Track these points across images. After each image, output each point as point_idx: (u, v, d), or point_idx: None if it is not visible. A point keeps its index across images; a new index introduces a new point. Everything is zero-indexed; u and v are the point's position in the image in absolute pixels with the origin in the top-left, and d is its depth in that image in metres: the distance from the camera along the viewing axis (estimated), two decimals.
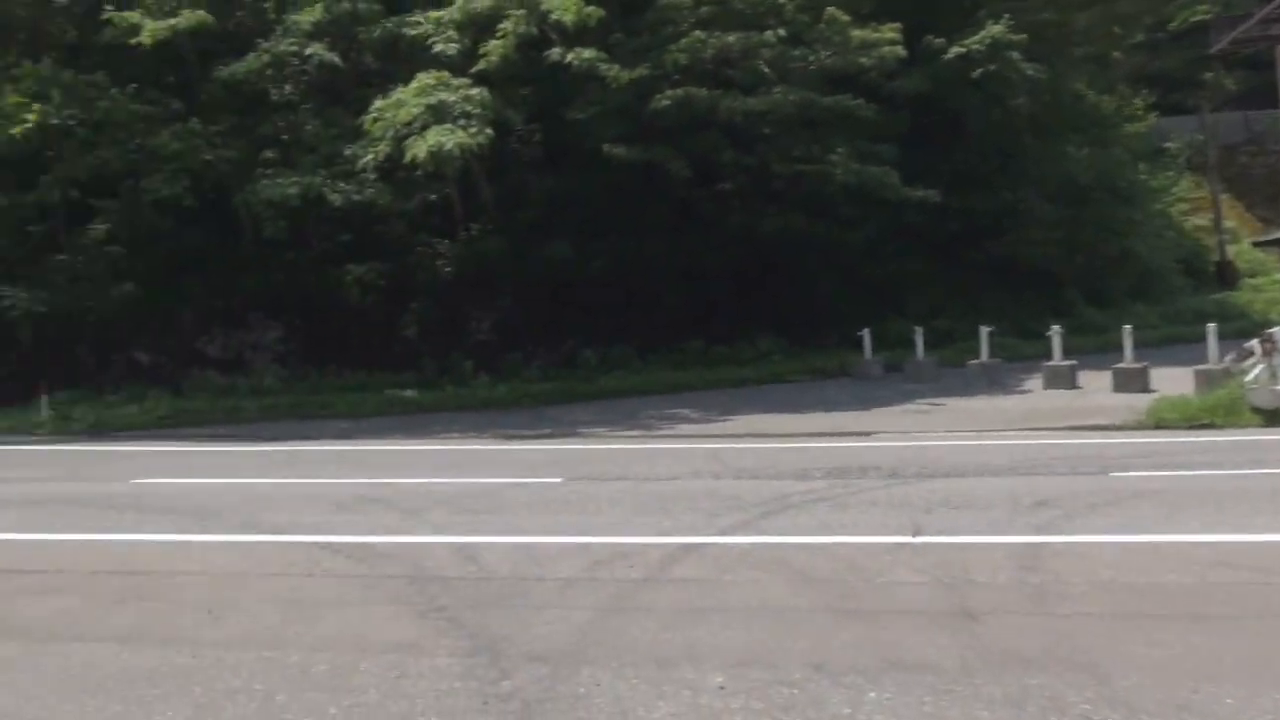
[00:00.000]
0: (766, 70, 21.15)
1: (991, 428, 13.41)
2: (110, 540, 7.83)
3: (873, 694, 3.96)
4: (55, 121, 19.85)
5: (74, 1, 22.30)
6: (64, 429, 17.97)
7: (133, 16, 20.46)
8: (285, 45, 21.01)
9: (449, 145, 18.11)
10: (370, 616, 5.30)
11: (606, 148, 20.96)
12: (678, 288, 23.03)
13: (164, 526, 8.33)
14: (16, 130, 19.60)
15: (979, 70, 22.66)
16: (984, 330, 19.46)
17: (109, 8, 20.91)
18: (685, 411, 17.26)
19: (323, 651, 4.65)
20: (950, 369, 20.02)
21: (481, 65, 20.27)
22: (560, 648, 4.61)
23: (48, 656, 4.73)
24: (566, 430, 15.73)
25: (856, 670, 4.22)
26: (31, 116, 19.67)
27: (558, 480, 10.17)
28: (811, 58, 21.47)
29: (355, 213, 20.91)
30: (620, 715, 3.80)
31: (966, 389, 17.96)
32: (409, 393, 20.26)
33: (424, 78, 19.19)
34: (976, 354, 19.59)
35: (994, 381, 18.62)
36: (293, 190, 19.79)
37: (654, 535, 7.21)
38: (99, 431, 17.77)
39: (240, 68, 20.87)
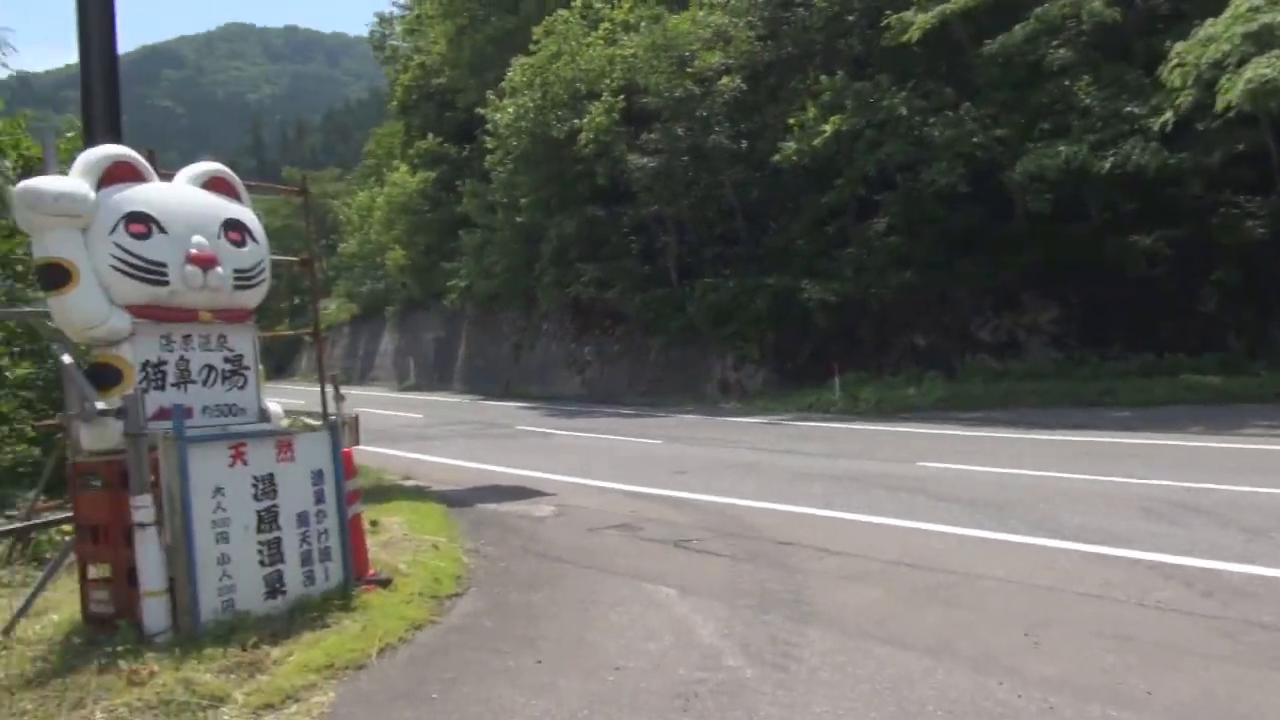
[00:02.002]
0: None
1: None
2: (902, 527, 7.68)
3: None
4: (846, 128, 21.62)
5: (859, 15, 24.04)
6: (852, 408, 19.53)
7: (907, 16, 21.15)
8: (1057, 7, 19.60)
9: (1271, 75, 14.68)
10: (1242, 680, 3.93)
11: None
12: None
13: (953, 517, 7.92)
14: (817, 141, 21.92)
15: None
16: None
17: (888, 13, 21.95)
18: None
19: None
20: None
21: None
22: None
23: (860, 657, 4.47)
24: None
25: None
26: (828, 127, 21.77)
27: None
28: None
29: (1138, 177, 18.49)
30: None
31: None
32: (1210, 378, 17.36)
33: (1240, 2, 15.88)
34: None
35: None
36: (1054, 161, 18.38)
37: None
38: (881, 411, 18.83)
39: (1010, 39, 20.12)
